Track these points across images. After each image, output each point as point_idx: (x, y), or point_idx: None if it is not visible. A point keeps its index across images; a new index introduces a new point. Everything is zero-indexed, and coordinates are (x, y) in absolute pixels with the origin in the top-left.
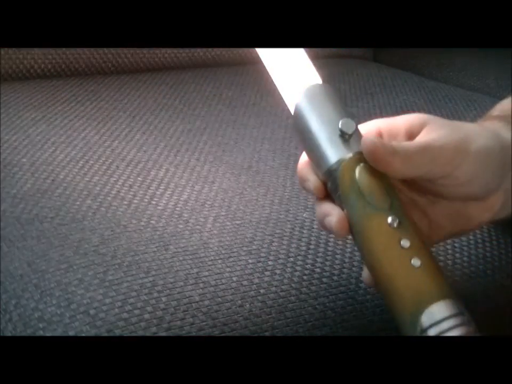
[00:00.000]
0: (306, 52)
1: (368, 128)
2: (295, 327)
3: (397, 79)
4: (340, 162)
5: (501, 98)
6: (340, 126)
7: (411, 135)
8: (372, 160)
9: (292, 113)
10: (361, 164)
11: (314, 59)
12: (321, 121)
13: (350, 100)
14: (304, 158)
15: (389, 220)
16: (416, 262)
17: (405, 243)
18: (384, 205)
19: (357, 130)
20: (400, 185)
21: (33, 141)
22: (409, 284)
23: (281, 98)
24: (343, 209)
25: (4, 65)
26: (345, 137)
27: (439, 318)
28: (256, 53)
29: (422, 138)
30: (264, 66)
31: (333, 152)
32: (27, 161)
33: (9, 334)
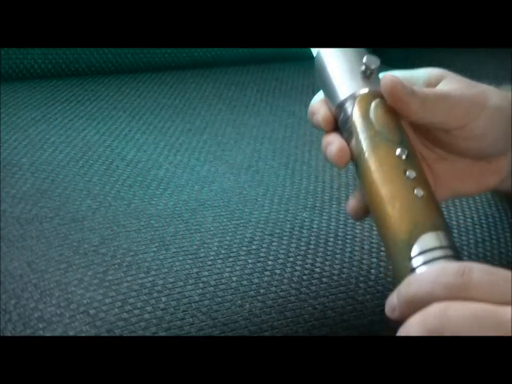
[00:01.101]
0: (307, 51)
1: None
2: (295, 327)
3: None
4: (356, 95)
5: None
6: (364, 61)
7: (429, 85)
8: (390, 97)
9: (317, 50)
10: (378, 99)
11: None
12: (346, 55)
13: None
14: (318, 96)
15: (398, 151)
16: (419, 192)
17: (411, 174)
18: (395, 138)
19: (378, 70)
20: (412, 135)
21: (33, 140)
22: (408, 210)
23: (282, 98)
24: (348, 144)
25: (4, 65)
26: (367, 73)
27: (430, 246)
28: (256, 53)
29: (440, 87)
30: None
31: (352, 85)
32: (27, 161)
33: (9, 334)
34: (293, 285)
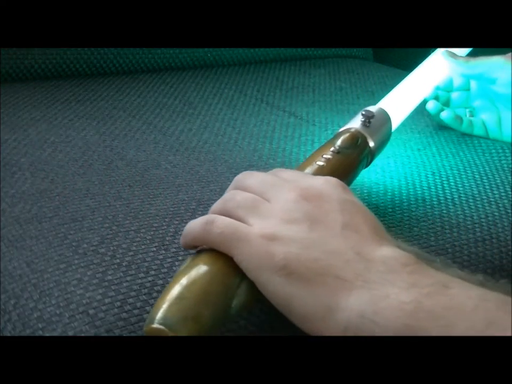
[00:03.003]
0: (307, 51)
1: None
2: (295, 327)
3: (397, 79)
4: None
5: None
6: None
7: None
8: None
9: None
10: None
11: (315, 59)
12: None
13: (351, 98)
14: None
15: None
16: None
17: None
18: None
19: None
20: None
21: (33, 140)
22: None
23: (282, 98)
24: None
25: (4, 65)
26: None
27: None
28: (256, 53)
29: None
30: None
31: None
32: (26, 161)
33: (9, 334)
34: None
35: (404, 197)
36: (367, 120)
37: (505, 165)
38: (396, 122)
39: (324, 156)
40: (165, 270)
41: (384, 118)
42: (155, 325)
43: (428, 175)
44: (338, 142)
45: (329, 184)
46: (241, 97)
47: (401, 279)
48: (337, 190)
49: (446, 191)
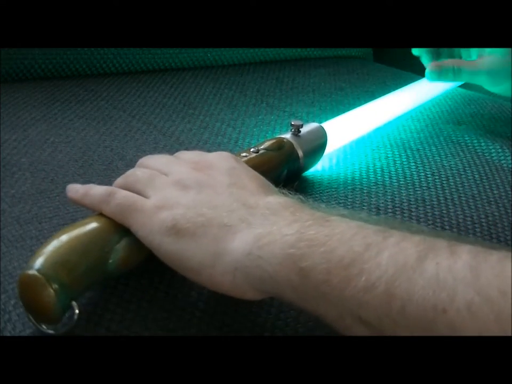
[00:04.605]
0: (307, 51)
1: None
2: (295, 327)
3: (397, 79)
4: None
5: (501, 98)
6: None
7: None
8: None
9: None
10: None
11: (315, 59)
12: None
13: (352, 98)
14: None
15: None
16: None
17: None
18: None
19: None
20: None
21: (33, 140)
22: None
23: (282, 98)
24: None
25: (4, 65)
26: None
27: None
28: (256, 53)
29: None
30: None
31: None
32: (26, 161)
33: (8, 334)
34: None
35: (403, 197)
36: (296, 130)
37: (505, 165)
38: (340, 140)
39: (243, 153)
40: (165, 269)
41: (320, 133)
42: (26, 271)
43: (428, 175)
44: (263, 144)
45: (220, 156)
46: (241, 97)
47: (284, 218)
48: (228, 160)
49: (446, 191)
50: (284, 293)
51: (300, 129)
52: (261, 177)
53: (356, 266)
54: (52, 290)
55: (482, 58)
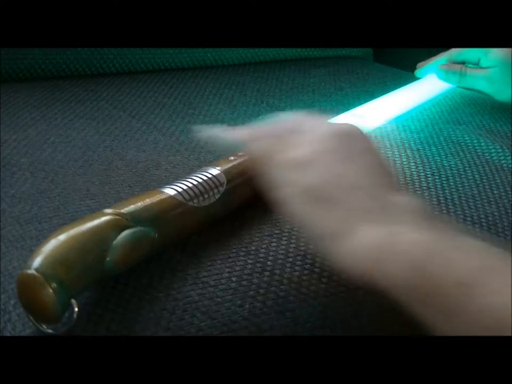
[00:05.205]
0: (307, 51)
1: None
2: (295, 327)
3: (397, 79)
4: None
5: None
6: None
7: None
8: None
9: None
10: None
11: (315, 59)
12: None
13: (352, 98)
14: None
15: None
16: None
17: None
18: None
19: None
20: None
21: (33, 140)
22: None
23: (282, 98)
24: None
25: (4, 65)
26: None
27: None
28: (256, 53)
29: None
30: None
31: None
32: (26, 161)
33: (8, 334)
34: (292, 285)
35: None
36: None
37: (505, 165)
38: None
39: (231, 157)
40: (165, 269)
41: None
42: (24, 271)
43: (428, 175)
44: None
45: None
46: (241, 97)
47: (413, 222)
48: (366, 137)
49: (446, 191)
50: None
51: None
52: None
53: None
54: (50, 289)
55: (490, 67)
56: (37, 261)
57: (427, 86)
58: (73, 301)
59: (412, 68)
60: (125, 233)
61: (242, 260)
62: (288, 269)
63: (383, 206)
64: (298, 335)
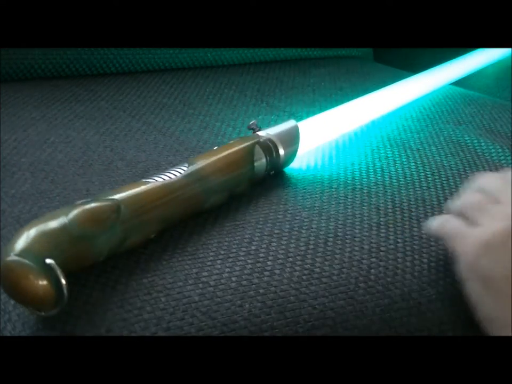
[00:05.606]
0: (307, 51)
1: None
2: (295, 327)
3: (397, 79)
4: None
5: (501, 98)
6: None
7: None
8: None
9: None
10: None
11: (315, 59)
12: None
13: (352, 98)
14: None
15: None
16: None
17: None
18: None
19: None
20: None
21: (33, 140)
22: None
23: (282, 98)
24: None
25: (4, 65)
26: None
27: None
28: (256, 53)
29: None
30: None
31: None
32: (26, 161)
33: (8, 334)
34: (292, 285)
35: (403, 197)
36: (254, 129)
37: (505, 165)
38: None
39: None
40: (165, 270)
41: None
42: (6, 259)
43: (428, 175)
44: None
45: None
46: (241, 97)
47: None
48: None
49: (446, 191)
50: None
51: (254, 127)
52: None
53: None
54: (25, 264)
55: None
56: (14, 249)
57: (423, 82)
58: (59, 275)
59: (412, 68)
60: (81, 202)
61: (242, 259)
62: (288, 269)
63: None
64: (298, 335)
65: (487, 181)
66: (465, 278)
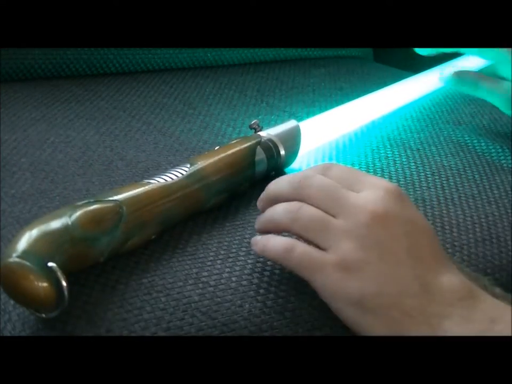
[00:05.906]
0: (307, 51)
1: None
2: (295, 327)
3: (397, 79)
4: None
5: None
6: None
7: None
8: None
9: None
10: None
11: (315, 59)
12: None
13: (352, 98)
14: None
15: None
16: None
17: None
18: None
19: None
20: None
21: (33, 140)
22: None
23: (282, 98)
24: None
25: (3, 65)
26: None
27: None
28: (256, 53)
29: None
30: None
31: None
32: (26, 161)
33: (8, 334)
34: (292, 285)
35: None
36: (255, 129)
37: (505, 165)
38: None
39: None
40: (165, 270)
41: (291, 124)
42: (6, 260)
43: (428, 175)
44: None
45: (392, 198)
46: (241, 97)
47: (457, 314)
48: (401, 205)
49: (446, 191)
50: None
51: (256, 127)
52: (431, 231)
53: None
54: (26, 266)
55: (504, 81)
56: (15, 250)
57: (423, 81)
58: (55, 267)
59: (412, 68)
60: (83, 203)
61: (242, 259)
62: (288, 269)
63: (428, 300)
64: (298, 335)
65: (314, 188)
66: (335, 307)
